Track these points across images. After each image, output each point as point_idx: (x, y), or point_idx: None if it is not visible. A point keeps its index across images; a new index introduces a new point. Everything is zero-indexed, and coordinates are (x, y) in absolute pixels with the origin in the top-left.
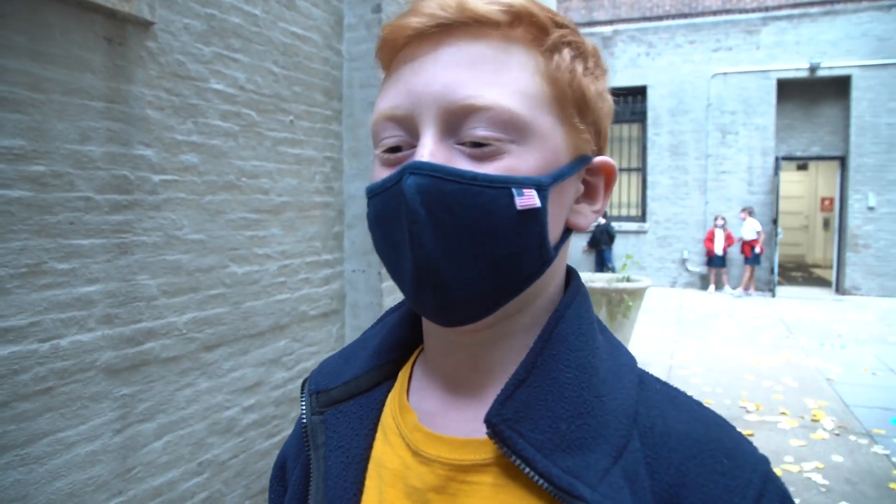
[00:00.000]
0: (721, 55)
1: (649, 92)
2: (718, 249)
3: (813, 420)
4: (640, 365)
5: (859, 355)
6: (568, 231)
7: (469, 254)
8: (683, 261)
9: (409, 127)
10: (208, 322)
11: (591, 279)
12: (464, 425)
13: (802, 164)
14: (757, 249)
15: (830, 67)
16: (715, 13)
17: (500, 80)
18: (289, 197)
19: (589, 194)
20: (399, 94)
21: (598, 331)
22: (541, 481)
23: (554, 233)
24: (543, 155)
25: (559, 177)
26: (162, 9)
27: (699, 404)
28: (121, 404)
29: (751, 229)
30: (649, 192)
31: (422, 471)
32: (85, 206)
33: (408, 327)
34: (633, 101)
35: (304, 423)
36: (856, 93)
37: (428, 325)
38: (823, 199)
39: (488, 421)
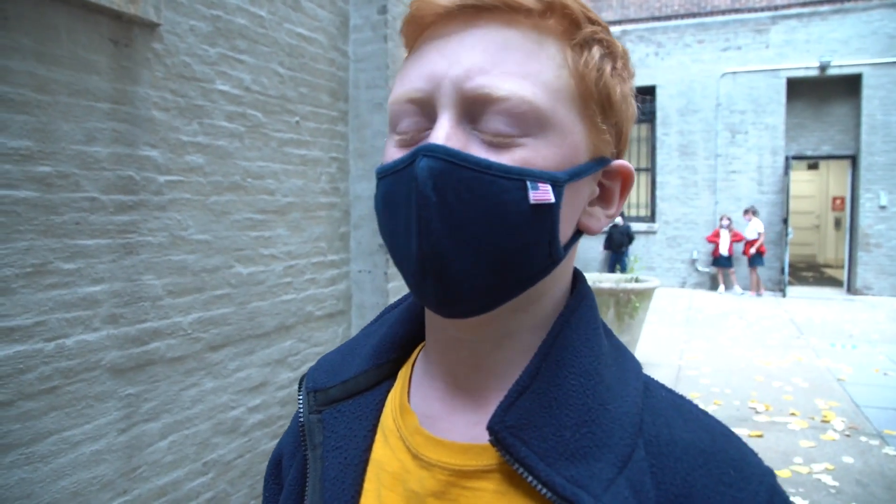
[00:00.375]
0: (730, 54)
1: (658, 92)
2: (724, 250)
3: (823, 421)
4: (649, 365)
5: (871, 355)
6: (578, 233)
7: (477, 244)
8: (693, 261)
9: (428, 110)
10: (213, 322)
11: (600, 279)
12: (465, 429)
13: (813, 164)
14: (753, 250)
15: (841, 66)
16: (724, 12)
17: (524, 69)
18: (294, 197)
19: (604, 198)
20: (421, 77)
21: (603, 336)
22: (543, 490)
23: (565, 232)
24: (561, 151)
25: (575, 175)
26: (168, 10)
27: (705, 413)
28: (126, 404)
29: (753, 230)
30: (658, 193)
31: (422, 475)
32: (90, 206)
33: (408, 325)
34: (641, 100)
35: (301, 421)
36: (866, 91)
37: (430, 322)
38: (835, 199)
39: (491, 428)
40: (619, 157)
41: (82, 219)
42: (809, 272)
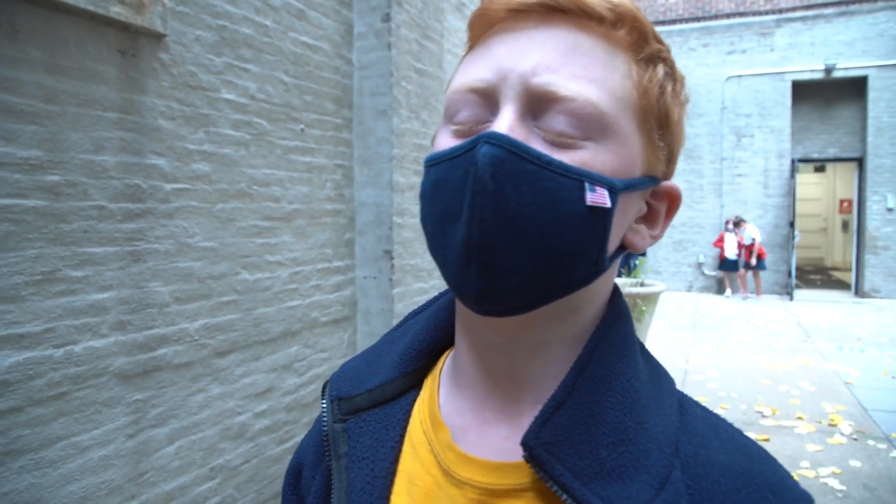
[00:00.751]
0: (735, 58)
1: None
2: (730, 253)
3: (830, 425)
4: None
5: (879, 359)
6: (622, 248)
7: (527, 239)
8: (699, 265)
9: (490, 101)
10: (220, 328)
11: None
12: (498, 443)
13: (820, 166)
14: (745, 257)
15: (846, 68)
16: (728, 16)
17: (592, 73)
18: (300, 204)
19: (650, 217)
20: (487, 67)
21: (639, 352)
22: None
23: (612, 243)
24: (620, 159)
25: (630, 186)
26: (174, 21)
27: (741, 433)
28: (133, 409)
29: (748, 235)
30: None
31: (453, 492)
32: (98, 214)
33: (434, 332)
34: None
35: (325, 430)
36: (872, 93)
37: (462, 327)
38: (842, 201)
39: (525, 444)
40: (667, 178)
41: (90, 227)
42: (817, 275)
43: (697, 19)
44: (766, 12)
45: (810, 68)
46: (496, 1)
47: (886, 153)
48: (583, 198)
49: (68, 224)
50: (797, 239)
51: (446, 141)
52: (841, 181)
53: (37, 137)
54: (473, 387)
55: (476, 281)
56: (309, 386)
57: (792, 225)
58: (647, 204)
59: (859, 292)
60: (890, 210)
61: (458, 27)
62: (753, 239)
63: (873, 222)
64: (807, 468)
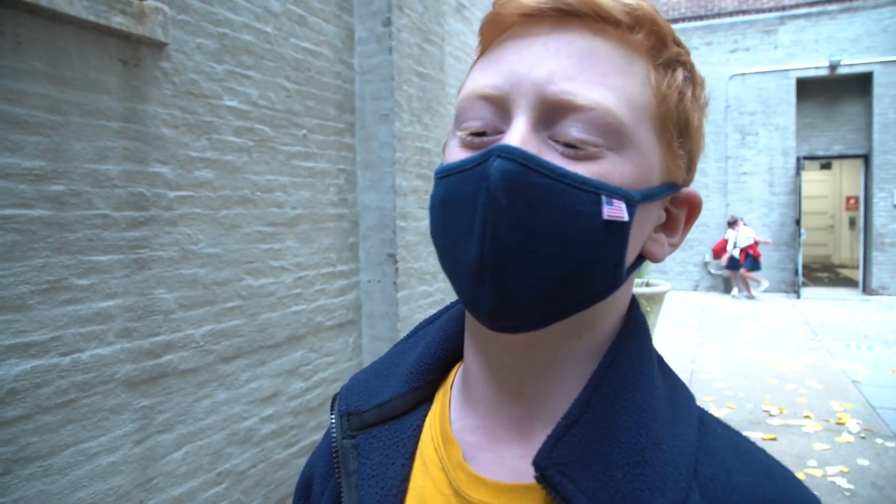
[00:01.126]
0: (739, 56)
1: None
2: (735, 252)
3: (838, 423)
4: None
5: (887, 356)
6: (641, 258)
7: (541, 255)
8: (705, 263)
9: (501, 110)
10: (225, 334)
11: None
12: (511, 463)
13: (826, 163)
14: (739, 258)
15: (851, 65)
16: (731, 14)
17: (609, 81)
18: (303, 209)
19: (669, 225)
20: (499, 74)
21: (657, 367)
22: None
23: (630, 255)
24: (638, 170)
25: (648, 196)
26: (175, 30)
27: (763, 452)
28: (140, 416)
29: (745, 237)
30: None
31: None
32: (103, 223)
33: (445, 345)
34: None
35: (334, 446)
36: (878, 90)
37: (472, 342)
38: (848, 198)
39: (537, 464)
40: (687, 185)
41: (95, 235)
42: (824, 273)
43: (700, 17)
44: (770, 9)
45: (815, 65)
46: (508, 5)
47: (892, 149)
48: (599, 211)
49: (73, 233)
50: (803, 237)
51: (456, 151)
52: (847, 178)
53: (41, 148)
54: (485, 403)
55: (489, 298)
56: (315, 390)
57: (798, 223)
58: (667, 211)
59: (867, 290)
60: None
61: (459, 30)
62: (755, 239)
63: (880, 219)
64: (814, 467)
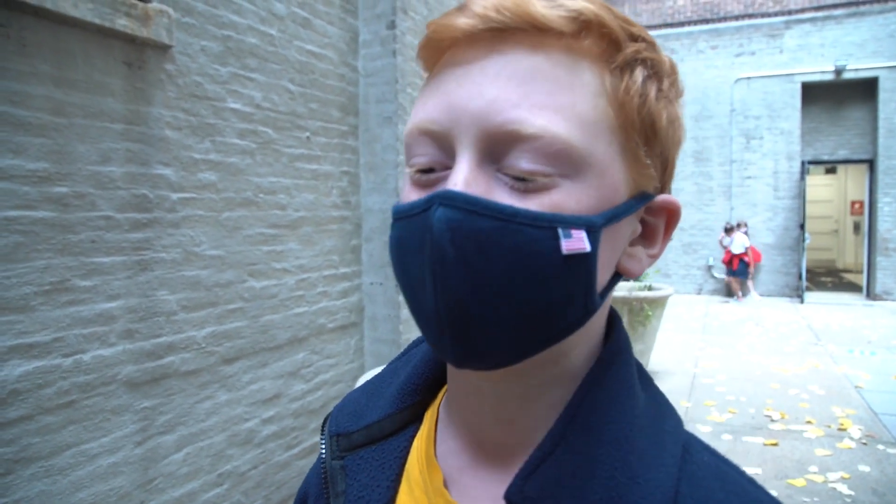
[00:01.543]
0: (744, 60)
1: None
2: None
3: (840, 429)
4: (664, 373)
5: (890, 362)
6: (617, 276)
7: (501, 301)
8: (709, 267)
9: (445, 145)
10: (227, 336)
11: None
12: (491, 487)
13: (831, 168)
14: (732, 264)
15: (856, 69)
16: (737, 17)
17: (555, 101)
18: (306, 212)
19: (647, 236)
20: (438, 107)
21: (638, 393)
22: None
23: (602, 278)
24: (598, 192)
25: (614, 217)
26: (179, 32)
27: (752, 483)
28: (142, 417)
29: (739, 244)
30: None
31: None
32: (106, 224)
33: (433, 365)
34: None
35: (323, 467)
36: (883, 94)
37: (451, 370)
38: (853, 203)
39: (508, 499)
40: (664, 189)
41: (98, 237)
42: (828, 277)
43: (706, 21)
44: (775, 14)
45: (820, 70)
46: (441, 30)
47: None
48: (558, 246)
49: (76, 234)
50: (807, 241)
51: (408, 190)
52: (852, 182)
53: (45, 150)
54: (467, 427)
55: (452, 348)
56: (316, 392)
57: (802, 227)
58: (643, 221)
59: (871, 294)
60: None
61: None
62: (747, 248)
63: (885, 224)
64: (815, 473)
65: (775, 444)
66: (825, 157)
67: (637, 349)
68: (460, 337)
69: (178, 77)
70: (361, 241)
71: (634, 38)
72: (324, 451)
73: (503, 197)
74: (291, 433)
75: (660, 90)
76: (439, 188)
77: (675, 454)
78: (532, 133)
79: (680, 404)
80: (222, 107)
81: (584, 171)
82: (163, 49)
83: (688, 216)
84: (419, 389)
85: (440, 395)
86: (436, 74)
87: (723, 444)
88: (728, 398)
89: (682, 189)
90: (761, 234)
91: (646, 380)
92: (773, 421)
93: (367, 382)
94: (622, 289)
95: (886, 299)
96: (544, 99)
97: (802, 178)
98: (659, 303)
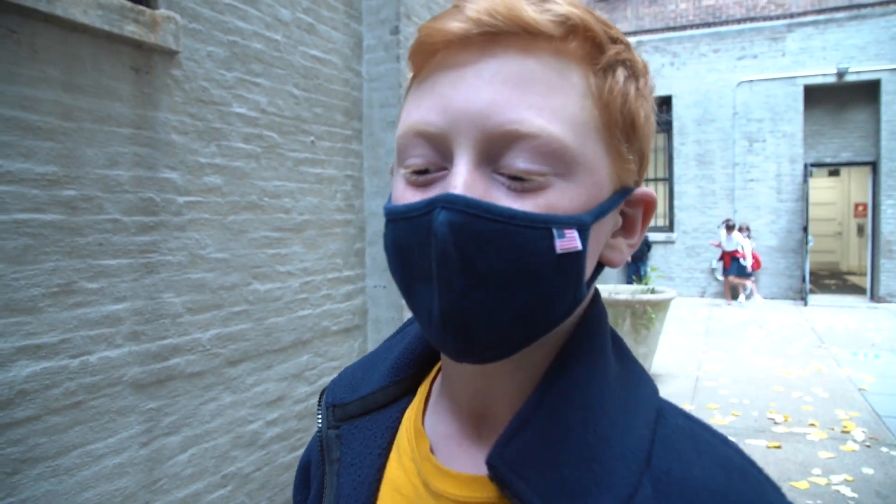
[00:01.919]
0: (746, 63)
1: (674, 101)
2: (743, 259)
3: (843, 431)
4: (667, 376)
5: (893, 364)
6: (601, 266)
7: (500, 298)
8: (712, 270)
9: (441, 147)
10: (232, 338)
11: (616, 291)
12: (476, 456)
13: (834, 170)
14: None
15: (859, 72)
16: (739, 21)
17: (549, 103)
18: (310, 215)
19: (626, 227)
20: (434, 109)
21: (612, 363)
22: None
23: (588, 270)
24: (588, 190)
25: (601, 214)
26: (186, 38)
27: (726, 445)
28: (147, 418)
29: (734, 242)
30: (676, 202)
31: (431, 503)
32: (113, 227)
33: (427, 342)
34: (658, 111)
35: (320, 436)
36: (885, 97)
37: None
38: (857, 205)
39: (489, 463)
40: (639, 182)
41: (105, 240)
42: (832, 280)
43: (708, 25)
44: (778, 17)
45: (822, 72)
46: (434, 34)
47: None
48: (552, 246)
49: (84, 237)
50: (811, 244)
51: (402, 189)
52: (856, 185)
53: (53, 153)
54: (455, 399)
55: (454, 345)
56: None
57: (805, 230)
58: (623, 213)
59: (875, 297)
60: None
61: None
62: (742, 247)
63: (888, 226)
64: (819, 475)
65: (778, 447)
66: (828, 160)
67: (640, 352)
68: (461, 334)
69: (184, 82)
70: (365, 245)
71: (614, 41)
72: (320, 421)
73: (501, 198)
74: (295, 435)
75: (638, 89)
76: (436, 189)
77: (649, 419)
78: (531, 132)
79: (683, 407)
80: (228, 111)
81: (575, 171)
82: (170, 55)
83: (691, 219)
84: (412, 364)
85: (433, 370)
86: (427, 76)
87: None
88: (731, 401)
89: (685, 192)
90: (764, 236)
91: (621, 349)
92: (776, 424)
93: (365, 357)
94: (626, 292)
95: (890, 302)
96: (539, 100)
97: (805, 180)
98: (662, 306)
